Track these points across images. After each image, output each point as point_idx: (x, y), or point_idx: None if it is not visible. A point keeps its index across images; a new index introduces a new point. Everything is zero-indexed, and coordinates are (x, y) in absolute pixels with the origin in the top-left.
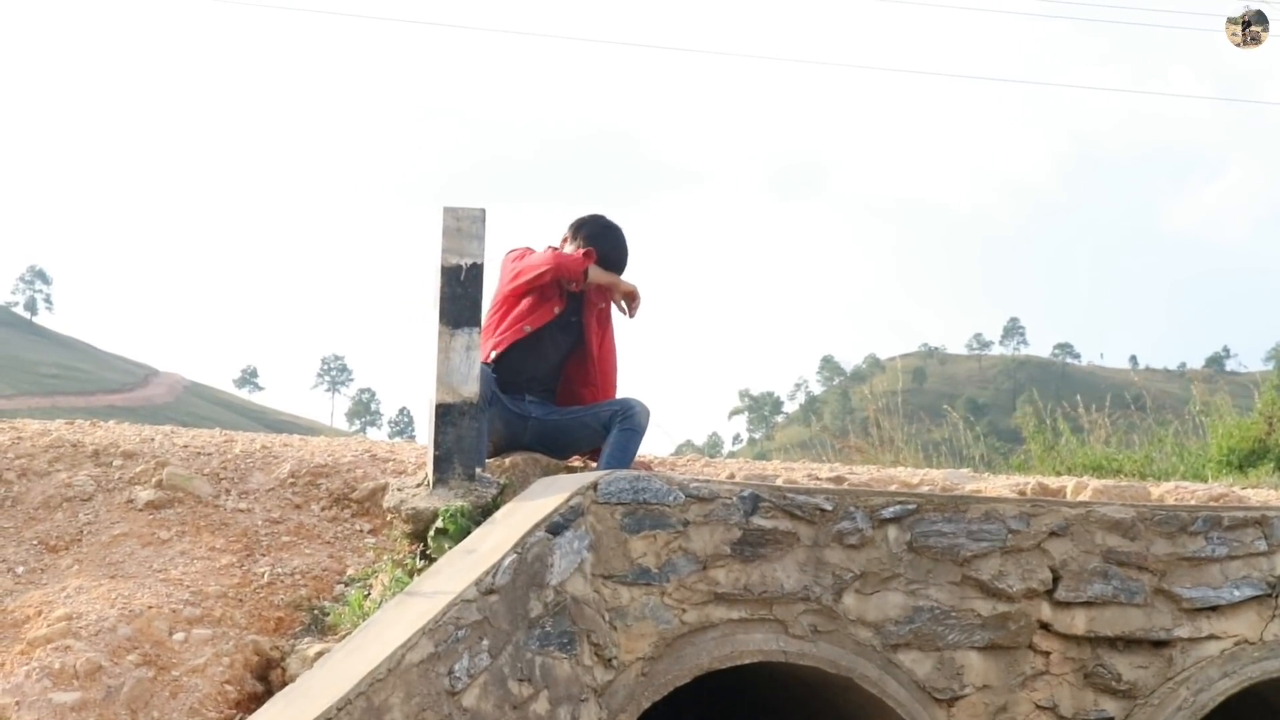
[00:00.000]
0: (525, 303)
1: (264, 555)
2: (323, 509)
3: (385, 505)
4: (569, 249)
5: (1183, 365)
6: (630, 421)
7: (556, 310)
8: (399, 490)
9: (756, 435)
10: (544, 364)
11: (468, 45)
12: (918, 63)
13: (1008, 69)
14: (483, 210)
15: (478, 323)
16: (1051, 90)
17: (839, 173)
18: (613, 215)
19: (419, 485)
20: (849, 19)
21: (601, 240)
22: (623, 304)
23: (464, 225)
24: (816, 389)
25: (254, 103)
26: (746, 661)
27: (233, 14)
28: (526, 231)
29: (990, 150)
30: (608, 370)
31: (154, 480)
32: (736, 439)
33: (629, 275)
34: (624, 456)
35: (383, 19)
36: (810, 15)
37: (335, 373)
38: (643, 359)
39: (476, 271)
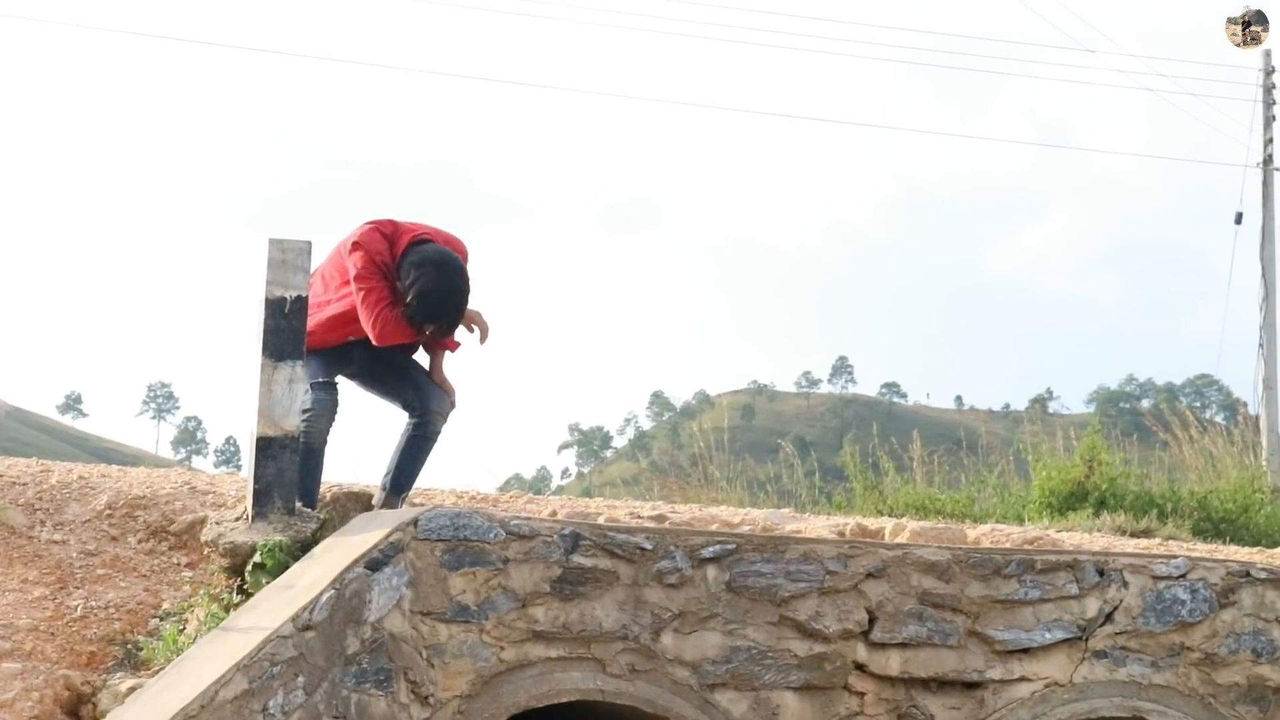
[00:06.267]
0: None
1: (78, 588)
2: (140, 541)
3: (203, 539)
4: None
5: (1007, 406)
6: (424, 429)
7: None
8: (218, 524)
9: (585, 470)
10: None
11: (294, 71)
12: (748, 101)
13: (835, 110)
14: (309, 243)
15: (301, 355)
16: (877, 132)
17: (670, 209)
18: None
19: (238, 519)
20: (680, 57)
21: (438, 311)
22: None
23: (289, 257)
24: (646, 424)
25: (77, 125)
26: (564, 700)
27: (59, 36)
28: None
29: (819, 190)
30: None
31: None
32: (565, 473)
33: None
34: (413, 466)
35: (208, 44)
36: (640, 52)
37: (161, 400)
38: (472, 392)
39: (301, 304)
